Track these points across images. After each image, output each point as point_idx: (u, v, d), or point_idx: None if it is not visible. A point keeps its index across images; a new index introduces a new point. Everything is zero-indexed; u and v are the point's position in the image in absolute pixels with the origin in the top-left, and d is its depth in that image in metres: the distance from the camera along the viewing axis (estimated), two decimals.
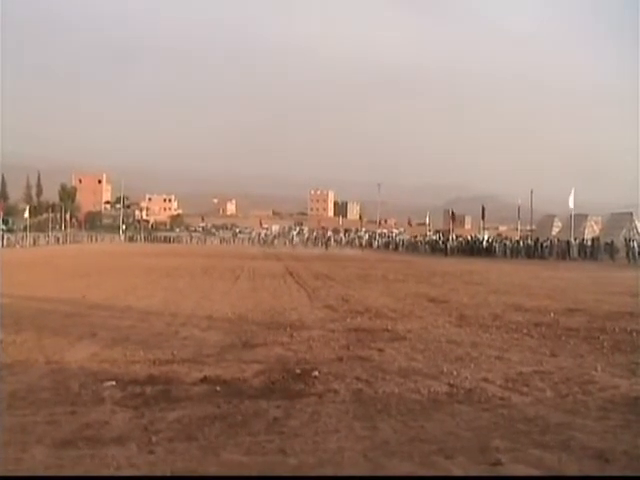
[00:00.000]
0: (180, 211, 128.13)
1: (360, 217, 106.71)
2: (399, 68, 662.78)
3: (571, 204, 40.23)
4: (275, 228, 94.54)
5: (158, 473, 3.19)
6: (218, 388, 4.86)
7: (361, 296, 12.63)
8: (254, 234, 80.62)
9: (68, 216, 72.04)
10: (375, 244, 62.44)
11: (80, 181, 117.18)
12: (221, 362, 5.86)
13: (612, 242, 36.36)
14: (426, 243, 51.89)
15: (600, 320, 9.12)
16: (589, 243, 38.58)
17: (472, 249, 43.62)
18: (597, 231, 46.34)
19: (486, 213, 50.97)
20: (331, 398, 4.63)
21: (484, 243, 44.53)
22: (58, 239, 58.41)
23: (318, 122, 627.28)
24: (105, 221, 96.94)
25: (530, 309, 10.51)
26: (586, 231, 45.44)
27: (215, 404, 4.42)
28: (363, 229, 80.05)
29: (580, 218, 46.28)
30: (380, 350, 6.57)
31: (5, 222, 56.24)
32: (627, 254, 34.01)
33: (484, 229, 53.01)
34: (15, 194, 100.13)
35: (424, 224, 74.17)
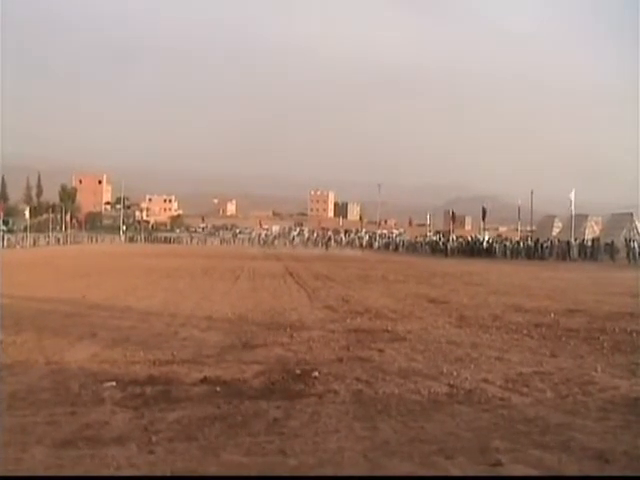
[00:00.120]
0: (180, 212, 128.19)
1: (360, 218, 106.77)
2: (399, 68, 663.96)
3: (572, 197, 40.16)
4: (275, 229, 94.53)
5: (158, 473, 3.19)
6: (218, 389, 4.86)
7: (361, 297, 12.63)
8: (254, 235, 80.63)
9: (68, 217, 72.04)
10: (375, 245, 62.47)
11: (80, 182, 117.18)
12: (221, 363, 5.86)
13: (612, 242, 36.34)
14: (426, 244, 51.92)
15: (600, 321, 9.11)
16: (589, 244, 38.57)
17: (472, 250, 43.60)
18: (597, 232, 46.30)
19: (486, 213, 50.91)
20: (331, 399, 4.63)
21: (484, 244, 44.52)
22: (58, 240, 58.38)
23: (318, 122, 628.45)
24: (105, 222, 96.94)
25: (530, 310, 10.51)
26: (586, 232, 45.39)
27: (215, 404, 4.42)
28: (363, 230, 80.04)
29: (580, 218, 46.26)
30: (380, 351, 6.56)
31: (5, 223, 56.28)
32: (627, 254, 34.00)
33: (484, 230, 52.96)
34: (15, 195, 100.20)
35: (424, 225, 74.19)
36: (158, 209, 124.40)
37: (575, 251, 37.56)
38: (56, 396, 4.58)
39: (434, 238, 55.70)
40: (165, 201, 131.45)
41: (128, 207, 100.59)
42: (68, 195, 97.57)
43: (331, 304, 11.13)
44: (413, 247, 53.69)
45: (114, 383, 4.94)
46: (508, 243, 44.36)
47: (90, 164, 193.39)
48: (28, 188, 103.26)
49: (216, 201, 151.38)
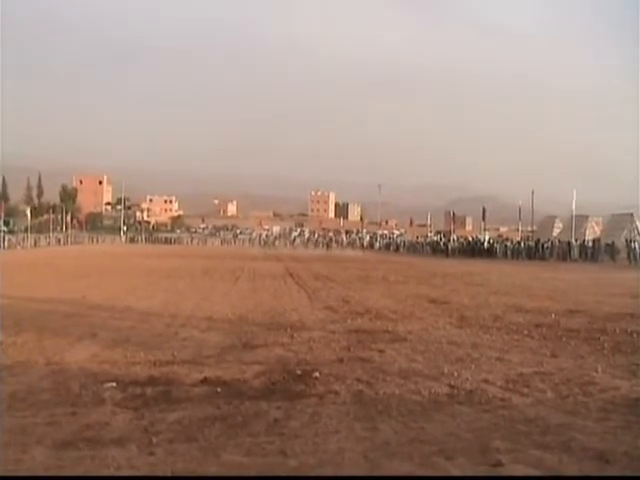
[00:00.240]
0: (181, 212, 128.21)
1: (361, 218, 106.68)
2: (399, 68, 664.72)
3: (573, 195, 40.29)
4: (276, 229, 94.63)
5: (158, 474, 3.19)
6: (218, 389, 4.86)
7: (362, 297, 12.62)
8: (255, 235, 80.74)
9: (69, 217, 72.11)
10: (376, 245, 62.50)
11: (81, 182, 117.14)
12: (221, 363, 5.86)
13: (613, 243, 36.32)
14: (427, 244, 51.92)
15: (601, 321, 9.11)
16: (590, 244, 38.54)
17: (473, 250, 43.62)
18: (598, 232, 46.30)
19: (487, 214, 50.94)
20: (332, 399, 4.63)
21: (485, 244, 44.53)
22: (59, 240, 58.39)
23: (318, 122, 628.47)
24: (106, 222, 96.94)
25: (531, 310, 10.50)
26: (587, 232, 45.40)
27: (215, 405, 4.42)
28: (364, 230, 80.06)
29: (581, 219, 46.28)
30: (381, 351, 6.56)
31: (6, 223, 56.28)
32: (628, 255, 33.98)
33: (485, 230, 52.95)
34: (16, 195, 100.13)
35: (425, 225, 74.18)
36: (159, 210, 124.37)
37: (576, 252, 37.54)
38: (56, 397, 4.58)
39: (435, 238, 55.79)
40: (166, 202, 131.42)
41: (129, 208, 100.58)
42: (69, 195, 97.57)
43: (332, 305, 11.12)
44: (414, 247, 53.70)
45: (114, 384, 4.94)
46: (509, 243, 44.37)
47: (90, 164, 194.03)
48: (29, 188, 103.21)
49: (216, 201, 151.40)
